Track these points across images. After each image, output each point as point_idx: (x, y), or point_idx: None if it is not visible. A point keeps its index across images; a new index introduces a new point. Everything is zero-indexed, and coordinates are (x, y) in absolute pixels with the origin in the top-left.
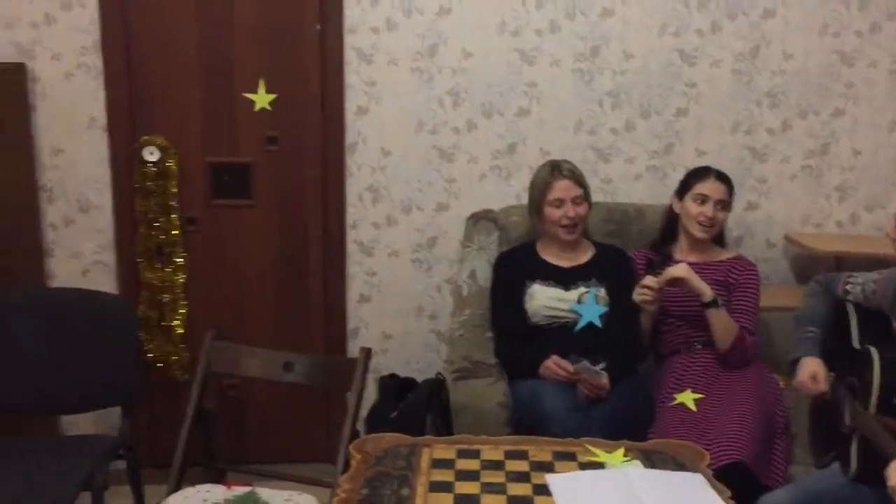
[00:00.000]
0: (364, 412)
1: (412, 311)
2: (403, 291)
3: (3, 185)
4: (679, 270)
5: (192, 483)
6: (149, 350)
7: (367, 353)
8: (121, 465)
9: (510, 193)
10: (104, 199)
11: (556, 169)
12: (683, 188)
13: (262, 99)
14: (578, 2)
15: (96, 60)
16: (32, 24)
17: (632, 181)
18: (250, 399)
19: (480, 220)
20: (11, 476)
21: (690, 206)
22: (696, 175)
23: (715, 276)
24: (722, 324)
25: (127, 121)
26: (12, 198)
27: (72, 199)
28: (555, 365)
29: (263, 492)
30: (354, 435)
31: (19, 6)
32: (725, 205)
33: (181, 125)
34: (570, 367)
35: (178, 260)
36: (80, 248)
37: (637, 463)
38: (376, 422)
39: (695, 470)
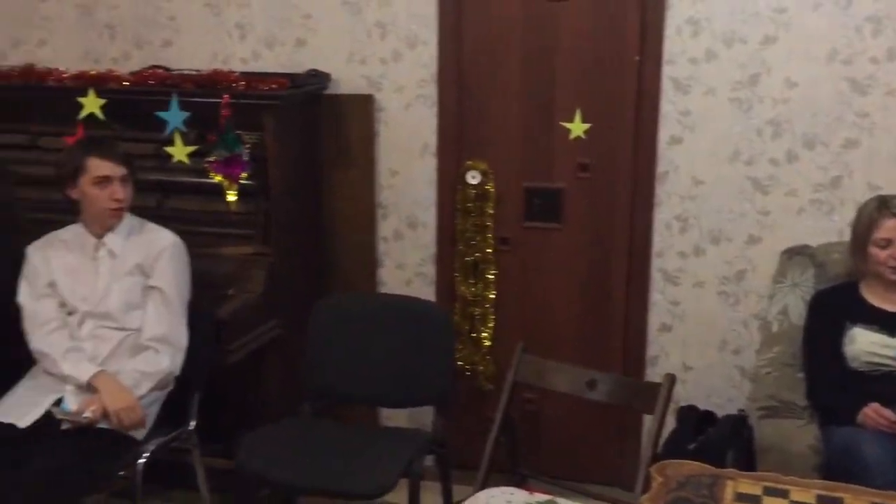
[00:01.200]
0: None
1: (715, 344)
2: (707, 323)
3: (349, 202)
4: None
5: (496, 485)
6: (458, 358)
7: (671, 379)
8: (428, 461)
9: (831, 229)
10: (429, 217)
11: (884, 205)
12: None
13: (577, 128)
14: None
15: (432, 92)
16: (382, 60)
17: None
18: (545, 413)
19: (796, 255)
20: (342, 455)
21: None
22: None
23: None
24: None
25: (454, 147)
26: (356, 213)
27: (402, 216)
28: (876, 413)
29: (563, 503)
30: (654, 458)
31: (372, 45)
32: None
33: (502, 151)
34: (893, 417)
35: (489, 276)
36: (406, 261)
37: None
38: (673, 450)
39: None
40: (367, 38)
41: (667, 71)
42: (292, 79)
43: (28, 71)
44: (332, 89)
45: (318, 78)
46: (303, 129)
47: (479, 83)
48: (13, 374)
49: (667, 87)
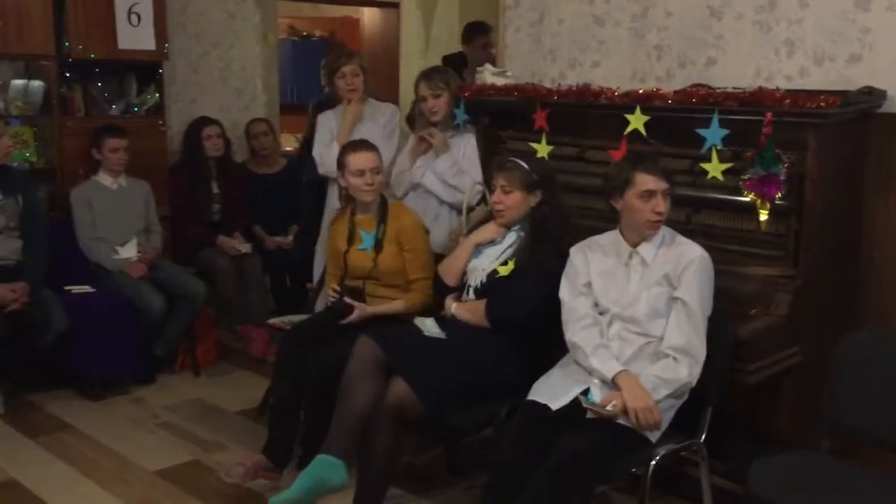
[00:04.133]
0: None
1: None
2: None
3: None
4: None
5: None
6: None
7: None
8: None
9: None
10: None
11: None
12: None
13: None
14: None
15: None
16: None
17: None
18: None
19: None
20: None
21: None
22: None
23: None
24: None
25: None
26: None
27: None
28: None
29: None
30: None
31: None
32: None
33: None
34: None
35: None
36: None
37: None
38: None
39: None
40: None
41: None
42: (843, 96)
43: (584, 90)
44: (887, 108)
45: (873, 95)
46: (848, 150)
47: None
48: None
49: None
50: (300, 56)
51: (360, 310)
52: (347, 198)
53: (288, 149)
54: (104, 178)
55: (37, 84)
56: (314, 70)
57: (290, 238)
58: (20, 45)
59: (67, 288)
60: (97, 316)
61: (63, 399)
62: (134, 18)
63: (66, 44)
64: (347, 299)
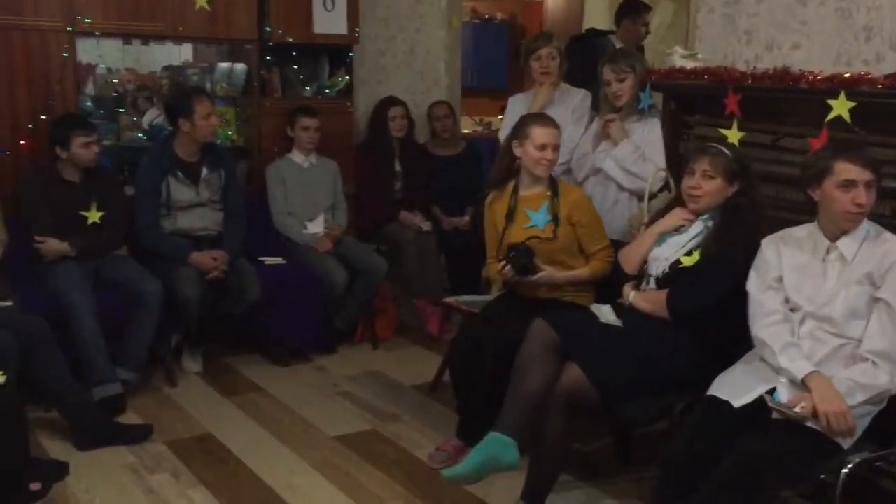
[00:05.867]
0: None
1: None
2: None
3: None
4: None
5: None
6: None
7: None
8: None
9: None
10: None
11: None
12: None
13: None
14: None
15: None
16: None
17: None
18: None
19: None
20: None
21: None
22: None
23: None
24: None
25: None
26: None
27: None
28: None
29: None
30: None
31: None
32: None
33: None
34: None
35: None
36: None
37: None
38: None
39: None
40: None
41: None
42: None
43: (783, 73)
44: None
45: None
46: None
47: None
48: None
49: None
50: (482, 39)
51: (549, 273)
52: (511, 173)
53: (466, 131)
54: (297, 156)
55: (240, 67)
56: (495, 53)
57: (467, 219)
58: (227, 31)
59: (261, 259)
60: (286, 287)
61: (254, 363)
62: (329, 4)
63: (268, 29)
64: (536, 260)
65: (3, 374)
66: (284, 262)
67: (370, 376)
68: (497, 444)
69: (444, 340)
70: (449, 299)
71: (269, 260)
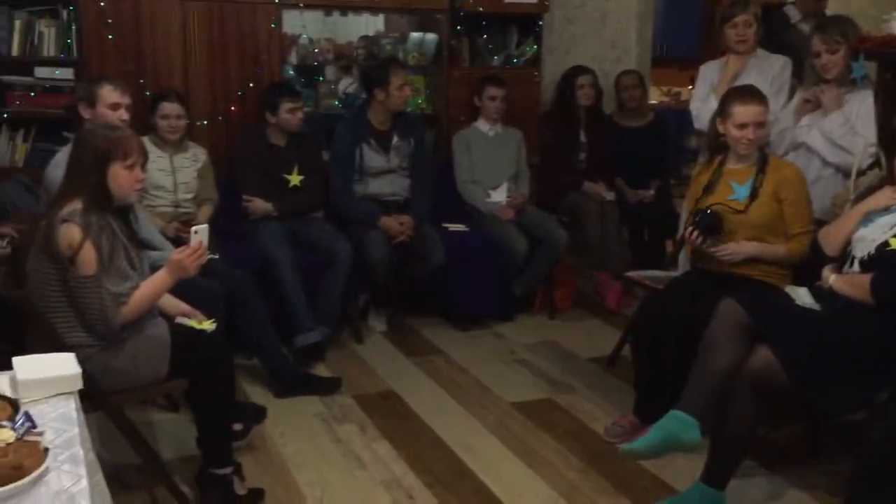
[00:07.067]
0: None
1: None
2: None
3: None
4: None
5: None
6: None
7: None
8: None
9: None
10: None
11: None
12: None
13: None
14: None
15: None
16: None
17: None
18: None
19: None
20: None
21: None
22: None
23: None
24: None
25: None
26: None
27: None
28: None
29: None
30: None
31: None
32: None
33: None
34: None
35: None
36: None
37: None
38: None
39: None
40: None
41: None
42: None
43: None
44: None
45: None
46: None
47: None
48: None
49: None
50: (672, 8)
51: (739, 245)
52: (716, 147)
53: (653, 102)
54: (482, 125)
55: (431, 37)
56: (686, 21)
57: (651, 192)
58: (420, 1)
59: (445, 225)
60: (469, 254)
61: (435, 326)
62: None
63: None
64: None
65: (213, 322)
66: (467, 228)
67: (547, 346)
68: (678, 422)
69: (622, 315)
70: (632, 273)
71: (452, 226)
